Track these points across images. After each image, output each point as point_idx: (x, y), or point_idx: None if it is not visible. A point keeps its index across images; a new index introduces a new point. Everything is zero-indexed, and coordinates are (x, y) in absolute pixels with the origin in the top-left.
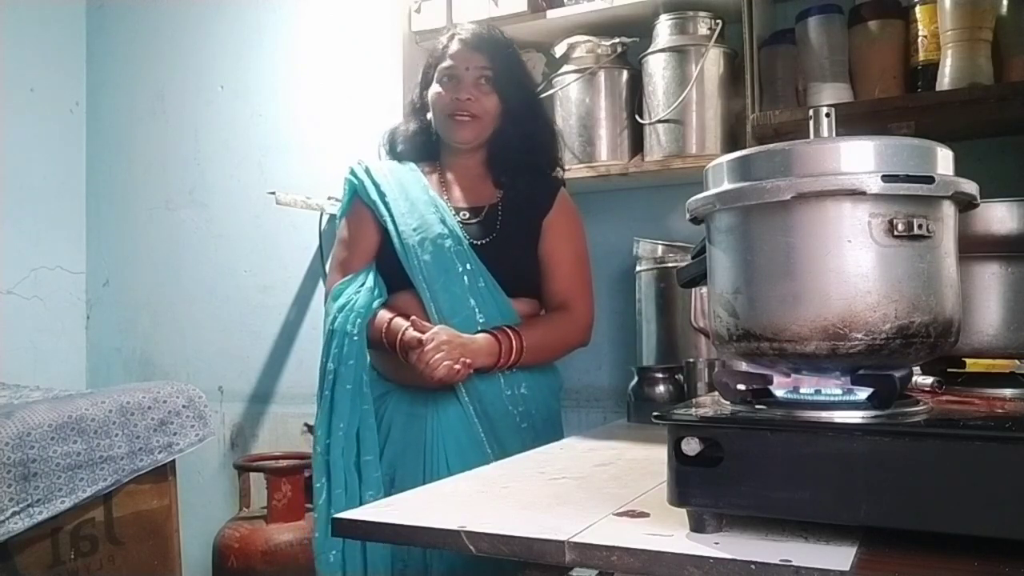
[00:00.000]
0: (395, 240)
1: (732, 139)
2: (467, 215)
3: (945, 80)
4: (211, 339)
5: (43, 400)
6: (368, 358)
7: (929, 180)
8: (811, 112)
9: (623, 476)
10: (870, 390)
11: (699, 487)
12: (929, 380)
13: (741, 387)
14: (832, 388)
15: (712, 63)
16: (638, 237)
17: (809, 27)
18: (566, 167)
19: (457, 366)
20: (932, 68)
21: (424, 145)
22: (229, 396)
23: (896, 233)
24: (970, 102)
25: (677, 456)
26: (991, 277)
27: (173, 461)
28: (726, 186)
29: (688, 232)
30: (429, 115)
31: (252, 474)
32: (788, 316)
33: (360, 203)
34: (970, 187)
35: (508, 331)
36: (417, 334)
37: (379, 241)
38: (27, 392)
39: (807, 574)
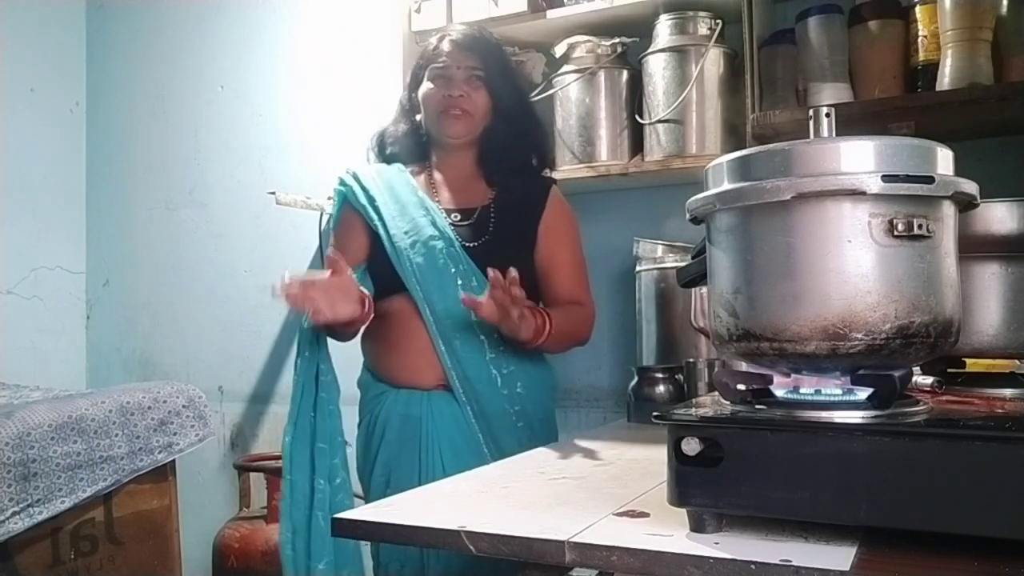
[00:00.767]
0: (386, 243)
1: (732, 139)
2: (458, 217)
3: (945, 80)
4: (211, 339)
5: (43, 400)
6: (324, 350)
7: (929, 180)
8: (811, 112)
9: (623, 476)
10: (870, 390)
11: (699, 487)
12: (929, 380)
13: (741, 387)
14: (832, 388)
15: (712, 63)
16: (638, 237)
17: (809, 27)
18: (565, 167)
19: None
20: (932, 68)
21: (414, 146)
22: (229, 396)
23: (896, 233)
24: (970, 102)
25: (677, 456)
26: (991, 277)
27: (173, 461)
28: (726, 186)
29: (688, 232)
30: (419, 116)
31: (252, 474)
32: (788, 316)
33: (350, 209)
34: (970, 187)
35: (540, 311)
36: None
37: (368, 245)
38: (27, 392)
39: (807, 574)
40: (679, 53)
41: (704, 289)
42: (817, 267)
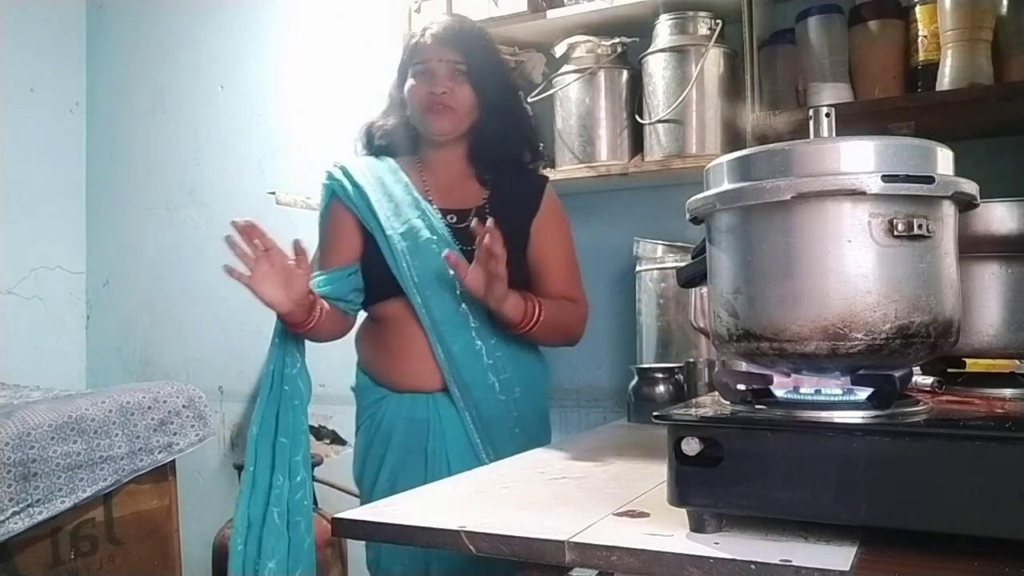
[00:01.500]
0: (383, 245)
1: (732, 139)
2: (454, 219)
3: (945, 80)
4: (211, 339)
5: (43, 400)
6: (293, 343)
7: (929, 180)
8: (811, 112)
9: (623, 476)
10: (870, 390)
11: (699, 487)
12: (929, 380)
13: (741, 387)
14: (832, 388)
15: (712, 63)
16: (638, 237)
17: (809, 27)
18: (565, 167)
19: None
20: (932, 68)
21: (403, 140)
22: (229, 396)
23: (896, 233)
24: (970, 102)
25: (677, 456)
26: (991, 277)
27: (173, 461)
28: (726, 186)
29: (688, 232)
30: (407, 111)
31: None
32: (788, 316)
33: (340, 206)
34: (970, 187)
35: (533, 298)
36: None
37: (361, 245)
38: (27, 392)
39: (807, 574)
40: (679, 53)
41: (704, 289)
42: (817, 267)
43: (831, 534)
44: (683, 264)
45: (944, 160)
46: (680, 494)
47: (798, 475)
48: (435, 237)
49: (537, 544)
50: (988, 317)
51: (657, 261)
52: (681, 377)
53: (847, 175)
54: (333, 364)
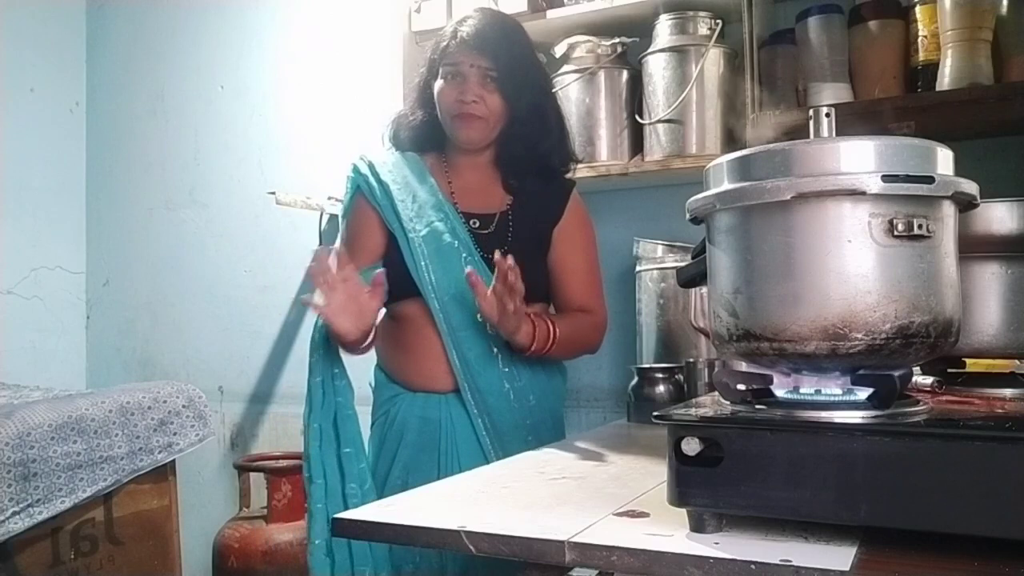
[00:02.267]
0: (404, 247)
1: (732, 139)
2: (476, 223)
3: (945, 80)
4: (211, 339)
5: (43, 400)
6: (336, 353)
7: (929, 180)
8: (811, 112)
9: (623, 476)
10: (870, 390)
11: (699, 487)
12: (929, 380)
13: (741, 387)
14: (832, 388)
15: (712, 63)
16: (638, 237)
17: (809, 27)
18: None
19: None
20: (932, 68)
21: (431, 135)
22: (229, 396)
23: (896, 233)
24: (970, 102)
25: (677, 456)
26: (991, 277)
27: (173, 461)
28: (726, 186)
29: (688, 232)
30: (436, 109)
31: (252, 474)
32: (788, 316)
33: (364, 201)
34: (970, 187)
35: (546, 318)
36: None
37: (385, 244)
38: (27, 392)
39: (807, 574)
40: (679, 53)
41: (704, 289)
42: (817, 267)
43: (831, 534)
44: (683, 264)
45: (944, 160)
46: (680, 494)
47: (798, 475)
48: (456, 242)
49: (537, 544)
50: (988, 317)
51: (657, 261)
52: (681, 377)
53: (847, 175)
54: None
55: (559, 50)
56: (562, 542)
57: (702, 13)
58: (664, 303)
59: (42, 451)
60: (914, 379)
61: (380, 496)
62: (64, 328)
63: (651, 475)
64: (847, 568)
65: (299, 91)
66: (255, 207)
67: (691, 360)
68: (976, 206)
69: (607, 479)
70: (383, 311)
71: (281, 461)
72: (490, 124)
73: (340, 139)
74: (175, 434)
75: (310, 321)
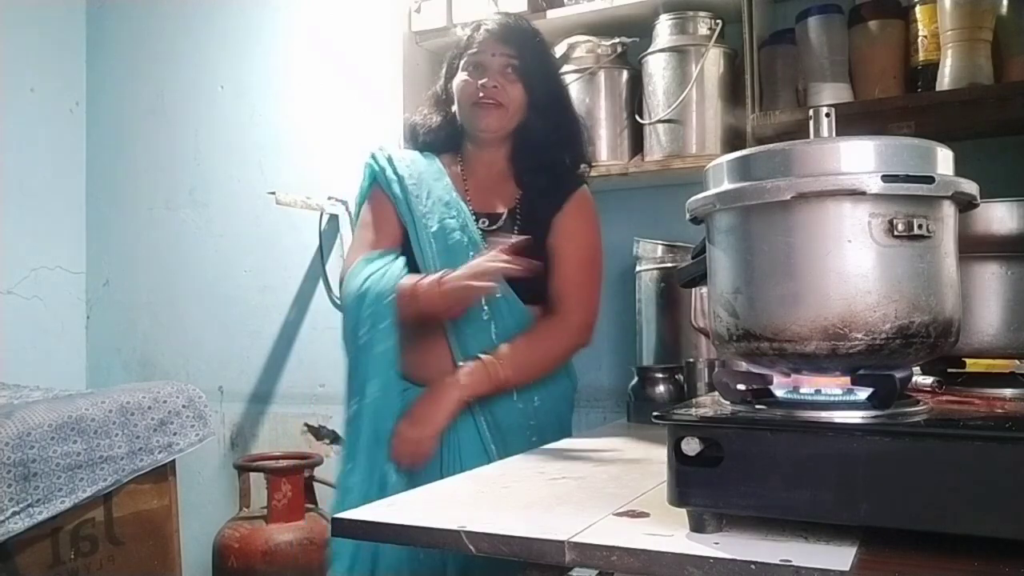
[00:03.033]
0: (414, 242)
1: (732, 139)
2: (486, 222)
3: (945, 80)
4: (211, 339)
5: (43, 400)
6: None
7: (929, 180)
8: (811, 112)
9: (623, 476)
10: (870, 390)
11: (699, 487)
12: (929, 380)
13: (741, 387)
14: (832, 388)
15: (712, 63)
16: (638, 237)
17: (809, 27)
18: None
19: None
20: (932, 68)
21: (448, 138)
22: (229, 396)
23: (896, 233)
24: (970, 102)
25: (677, 456)
26: (991, 277)
27: (173, 461)
28: (726, 186)
29: (688, 232)
30: (453, 107)
31: (252, 474)
32: (788, 316)
33: (380, 192)
34: (970, 187)
35: (487, 363)
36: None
37: (403, 233)
38: (27, 392)
39: (807, 574)
40: (679, 53)
41: (704, 289)
42: (817, 267)
43: (831, 534)
44: (683, 264)
45: (944, 160)
46: (680, 494)
47: (798, 475)
48: (466, 239)
49: (537, 544)
50: (988, 317)
51: (657, 261)
52: (681, 377)
53: (847, 175)
54: (332, 364)
55: (559, 50)
56: (562, 542)
57: (702, 13)
58: (664, 303)
59: (42, 451)
60: (914, 379)
61: (383, 495)
62: (64, 328)
63: (651, 475)
64: (847, 568)
65: (299, 91)
66: (255, 207)
67: (691, 360)
68: (976, 206)
69: (607, 479)
70: None
71: (281, 461)
72: (509, 112)
73: (340, 139)
74: (175, 434)
75: (310, 321)
